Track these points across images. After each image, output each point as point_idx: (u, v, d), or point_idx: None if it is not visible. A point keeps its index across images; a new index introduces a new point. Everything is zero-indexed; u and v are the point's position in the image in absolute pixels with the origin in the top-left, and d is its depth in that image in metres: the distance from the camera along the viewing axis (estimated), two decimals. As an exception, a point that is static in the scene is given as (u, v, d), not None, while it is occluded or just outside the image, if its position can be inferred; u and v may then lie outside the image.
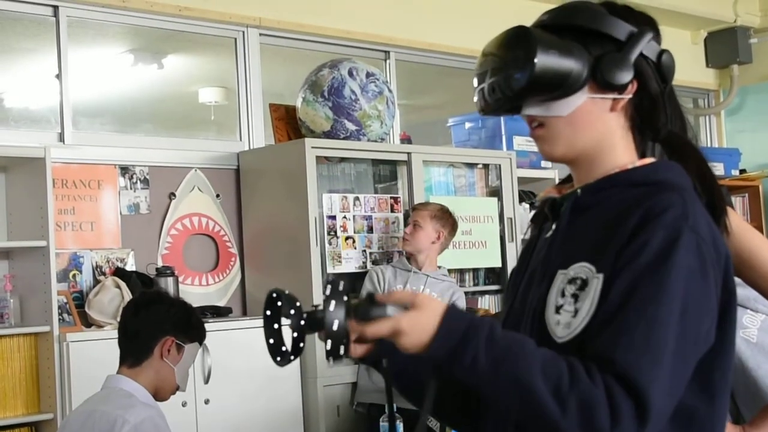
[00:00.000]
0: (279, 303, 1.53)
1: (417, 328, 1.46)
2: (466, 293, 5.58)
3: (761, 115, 7.91)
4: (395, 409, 3.88)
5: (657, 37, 1.68)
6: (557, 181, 2.14)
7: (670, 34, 7.08)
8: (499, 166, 5.72)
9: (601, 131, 1.65)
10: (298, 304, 1.52)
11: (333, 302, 1.46)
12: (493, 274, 5.73)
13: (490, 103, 1.67)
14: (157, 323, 3.02)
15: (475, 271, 5.67)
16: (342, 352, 1.46)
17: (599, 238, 1.56)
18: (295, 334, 1.51)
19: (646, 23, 1.67)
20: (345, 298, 1.47)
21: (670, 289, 1.46)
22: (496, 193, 5.74)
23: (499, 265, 5.66)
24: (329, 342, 1.45)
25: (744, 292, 2.04)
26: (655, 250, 1.49)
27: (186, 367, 3.09)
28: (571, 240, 1.63)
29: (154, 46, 5.67)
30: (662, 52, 1.67)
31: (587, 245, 1.58)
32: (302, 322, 1.51)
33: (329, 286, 1.48)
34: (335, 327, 1.45)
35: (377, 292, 4.66)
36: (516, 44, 1.64)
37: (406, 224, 4.99)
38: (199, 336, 3.15)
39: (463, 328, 1.46)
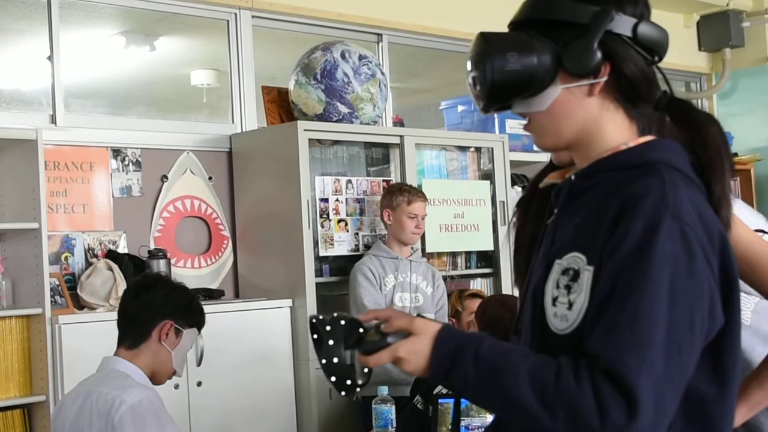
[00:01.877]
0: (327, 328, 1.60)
1: (414, 355, 1.54)
2: (458, 276, 5.60)
3: (753, 99, 7.92)
4: (388, 394, 3.90)
5: (631, 9, 1.63)
6: (547, 164, 2.14)
7: (662, 17, 7.07)
8: (492, 149, 5.72)
9: (584, 118, 1.64)
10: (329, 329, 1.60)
11: (333, 339, 1.57)
12: (485, 257, 5.73)
13: (482, 107, 1.68)
14: (157, 306, 3.04)
15: (468, 254, 5.67)
16: (348, 384, 1.57)
17: (589, 227, 1.56)
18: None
19: (610, 0, 1.62)
20: (347, 333, 1.57)
21: (653, 278, 1.45)
22: (488, 176, 5.74)
23: (491, 248, 5.67)
24: (334, 377, 1.56)
25: None
26: (634, 241, 1.47)
27: (183, 352, 3.11)
28: (565, 227, 1.63)
29: (146, 28, 5.65)
30: (638, 23, 1.62)
31: (579, 233, 1.58)
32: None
33: (329, 326, 1.58)
34: (336, 361, 1.56)
35: (375, 289, 4.68)
36: (477, 53, 1.64)
37: (403, 216, 4.86)
38: (198, 321, 3.17)
39: (453, 348, 1.52)
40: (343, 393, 1.58)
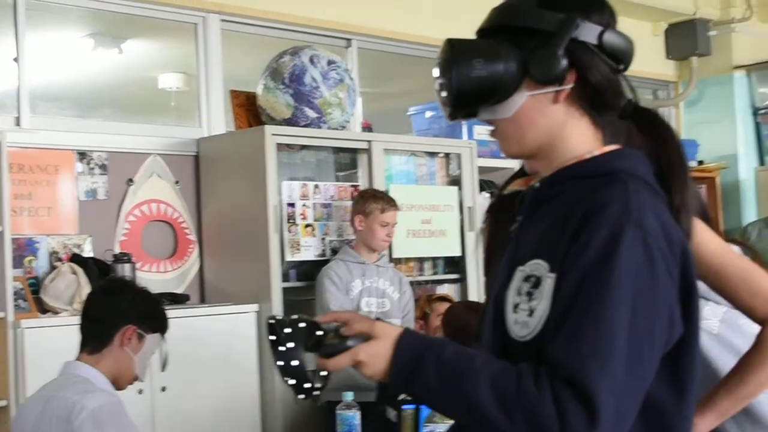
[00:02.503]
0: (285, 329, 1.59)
1: (374, 358, 1.53)
2: (425, 282, 5.60)
3: (719, 107, 7.98)
4: (353, 400, 3.89)
5: (597, 17, 1.64)
6: (517, 170, 2.14)
7: (630, 25, 7.11)
8: (460, 155, 5.74)
9: (549, 125, 1.64)
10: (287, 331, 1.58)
11: (292, 342, 1.54)
12: (452, 263, 5.74)
13: (448, 114, 1.69)
14: (120, 311, 3.02)
15: (435, 259, 5.68)
16: (306, 387, 1.55)
17: (552, 234, 1.56)
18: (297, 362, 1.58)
19: (576, 8, 1.63)
20: (306, 336, 1.55)
21: (615, 286, 1.45)
22: (456, 182, 5.75)
23: (459, 254, 5.68)
24: (293, 380, 1.54)
25: (704, 283, 2.07)
26: (597, 249, 1.48)
27: (146, 358, 3.09)
28: (529, 235, 1.63)
29: (114, 30, 5.62)
30: (603, 31, 1.63)
31: (542, 241, 1.58)
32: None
33: (288, 328, 1.55)
34: (296, 364, 1.54)
35: (341, 293, 4.68)
36: (443, 59, 1.65)
37: (375, 223, 4.85)
38: (161, 327, 3.15)
39: (414, 353, 1.52)
40: (301, 396, 1.56)
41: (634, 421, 1.48)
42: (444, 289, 5.66)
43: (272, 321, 1.58)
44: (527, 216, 1.68)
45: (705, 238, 2.06)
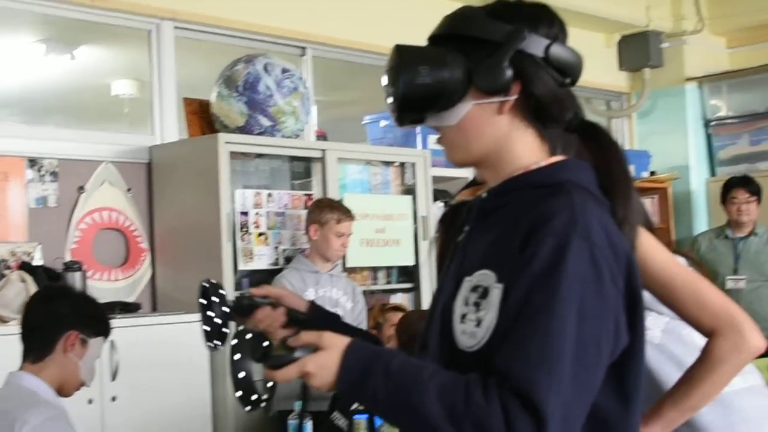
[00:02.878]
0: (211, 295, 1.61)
1: (322, 370, 1.52)
2: (379, 291, 5.60)
3: (671, 118, 8.06)
4: (305, 409, 3.87)
5: (545, 30, 1.65)
6: (470, 180, 2.15)
7: (584, 37, 7.18)
8: (414, 164, 5.75)
9: (494, 135, 1.65)
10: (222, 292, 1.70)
11: (239, 353, 1.55)
12: (406, 272, 5.74)
13: (395, 119, 1.70)
14: (60, 317, 2.97)
15: (389, 269, 5.68)
16: (254, 399, 1.55)
17: (500, 245, 1.57)
18: (219, 321, 1.61)
19: (525, 20, 1.64)
20: (253, 347, 1.56)
21: (562, 297, 1.46)
22: (410, 191, 5.76)
23: (413, 263, 5.68)
24: (240, 392, 1.54)
25: (648, 293, 2.08)
26: (544, 260, 1.48)
27: (91, 362, 3.05)
28: (476, 245, 1.64)
29: (66, 36, 5.58)
30: (550, 44, 1.64)
31: (489, 251, 1.58)
32: (226, 310, 1.69)
33: (235, 339, 1.56)
34: (242, 376, 1.54)
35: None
36: (390, 66, 1.66)
37: (330, 233, 4.83)
38: (103, 330, 3.11)
39: (362, 364, 1.51)
40: (248, 408, 1.56)
41: (580, 430, 1.49)
42: (398, 299, 5.66)
43: (207, 285, 1.59)
44: (474, 226, 1.69)
45: (652, 250, 2.08)
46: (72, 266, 4.59)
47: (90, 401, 4.15)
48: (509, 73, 1.61)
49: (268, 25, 5.76)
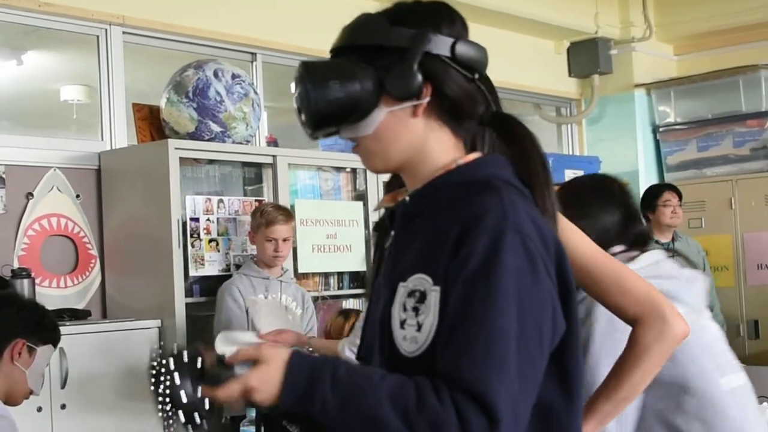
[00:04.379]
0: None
1: (265, 384, 1.49)
2: (331, 297, 5.59)
3: (620, 125, 8.14)
4: (257, 415, 3.86)
5: (447, 29, 1.66)
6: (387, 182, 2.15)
7: (534, 44, 7.24)
8: (366, 170, 5.73)
9: (410, 139, 1.66)
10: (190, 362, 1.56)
11: (177, 374, 1.51)
12: (357, 278, 5.74)
13: (309, 134, 1.70)
14: (6, 326, 2.94)
15: (340, 274, 5.68)
16: (198, 420, 1.52)
17: (432, 247, 1.57)
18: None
19: (427, 22, 1.65)
20: (191, 367, 1.52)
21: (501, 293, 1.47)
22: (362, 197, 5.76)
23: (364, 269, 5.68)
24: (181, 414, 1.51)
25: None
26: (480, 258, 1.49)
27: (39, 371, 3.02)
28: (405, 249, 1.64)
29: (13, 41, 5.52)
30: (455, 43, 1.65)
31: (422, 255, 1.58)
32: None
33: (171, 359, 1.53)
34: (184, 399, 1.51)
35: (240, 310, 4.63)
36: (299, 83, 1.65)
37: (261, 238, 4.78)
38: (52, 338, 3.08)
39: (307, 374, 1.49)
40: (191, 430, 1.53)
41: (528, 422, 1.51)
42: (349, 304, 5.66)
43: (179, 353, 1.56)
44: (399, 231, 1.69)
45: (574, 239, 2.11)
46: (20, 273, 4.54)
47: (39, 409, 4.11)
48: (420, 77, 1.62)
49: (218, 31, 5.74)
